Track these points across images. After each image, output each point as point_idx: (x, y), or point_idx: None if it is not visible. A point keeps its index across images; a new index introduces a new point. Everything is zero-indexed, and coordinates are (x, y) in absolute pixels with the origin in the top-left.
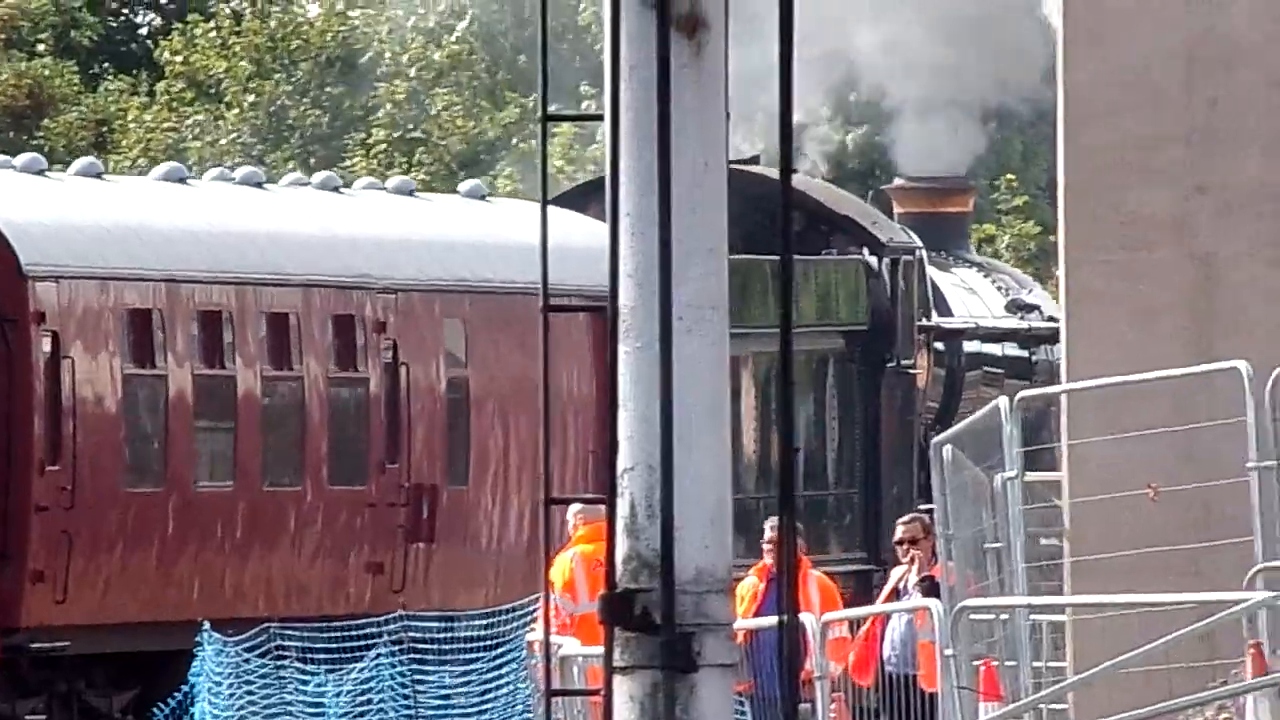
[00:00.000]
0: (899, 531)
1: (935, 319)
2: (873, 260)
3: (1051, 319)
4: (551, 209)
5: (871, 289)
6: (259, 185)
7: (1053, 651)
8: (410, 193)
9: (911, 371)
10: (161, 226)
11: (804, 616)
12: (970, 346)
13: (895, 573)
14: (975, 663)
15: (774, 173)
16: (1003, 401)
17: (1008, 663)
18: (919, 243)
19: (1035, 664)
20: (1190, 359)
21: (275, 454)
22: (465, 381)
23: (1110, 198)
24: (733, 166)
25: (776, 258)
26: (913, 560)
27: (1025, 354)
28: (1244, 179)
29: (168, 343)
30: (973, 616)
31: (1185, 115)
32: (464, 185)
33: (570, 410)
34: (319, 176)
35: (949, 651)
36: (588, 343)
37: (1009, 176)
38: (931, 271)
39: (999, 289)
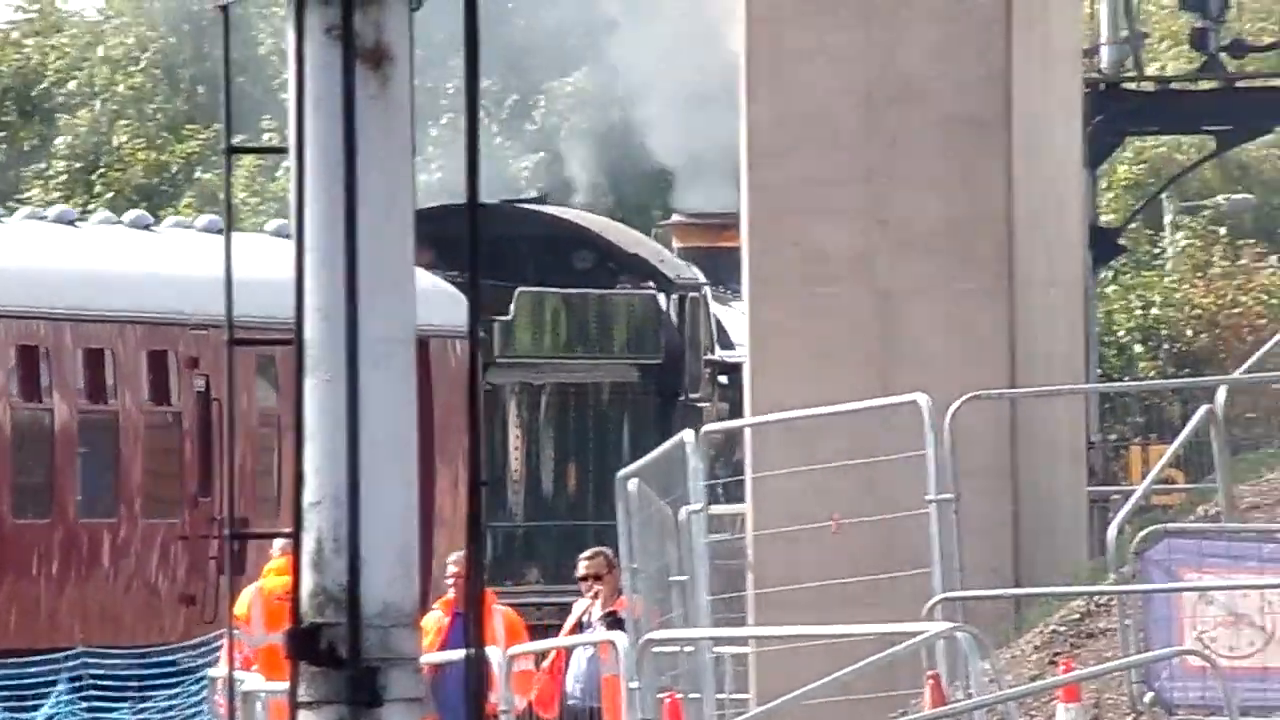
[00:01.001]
0: (581, 567)
1: (719, 353)
2: (661, 296)
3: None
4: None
5: (663, 324)
6: (70, 223)
7: (737, 683)
8: (219, 231)
9: (700, 405)
10: None
11: (489, 650)
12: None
13: (578, 606)
14: (660, 695)
15: (561, 210)
16: (687, 435)
17: (692, 695)
18: (704, 279)
19: (719, 696)
20: (871, 392)
21: (90, 487)
22: (276, 415)
23: (791, 234)
24: (520, 205)
25: (568, 290)
26: (596, 595)
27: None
28: (922, 216)
29: None
30: (657, 649)
31: (864, 153)
32: (271, 224)
33: None
34: (130, 215)
35: (633, 684)
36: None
37: None
38: (714, 306)
39: None
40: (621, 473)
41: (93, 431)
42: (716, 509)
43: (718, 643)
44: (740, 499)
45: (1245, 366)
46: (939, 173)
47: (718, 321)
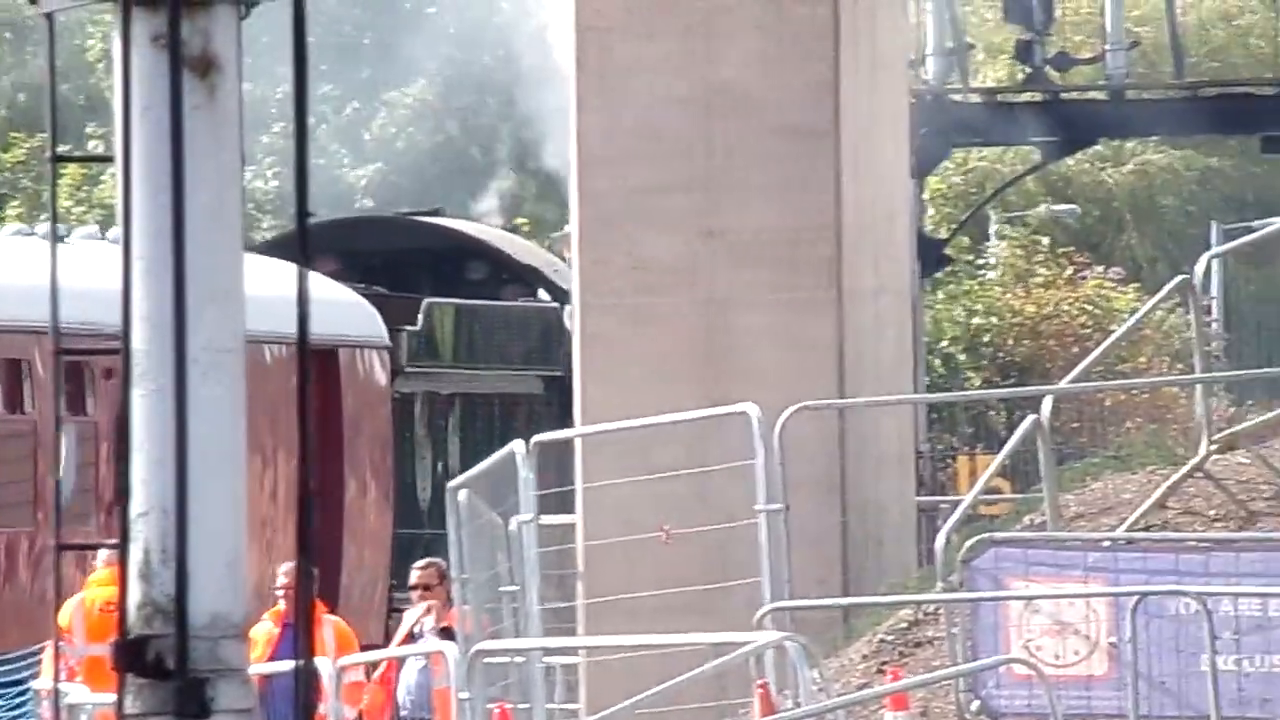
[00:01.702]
0: (414, 576)
1: None
2: (565, 309)
3: None
4: (258, 258)
5: (565, 335)
6: None
7: (568, 693)
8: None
9: None
10: None
11: (319, 661)
12: None
13: (409, 616)
14: (490, 705)
15: (457, 223)
16: (518, 445)
17: (522, 705)
18: None
19: (550, 706)
20: (701, 402)
21: (9, 495)
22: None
23: (622, 243)
24: (416, 218)
25: (475, 302)
26: (430, 610)
27: None
28: (751, 225)
29: None
30: (488, 660)
31: (693, 161)
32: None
33: (286, 450)
34: (43, 226)
35: (464, 695)
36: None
37: None
38: None
39: None
40: (452, 483)
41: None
42: (548, 519)
43: (548, 653)
44: (570, 509)
45: (1071, 376)
46: (768, 183)
47: None
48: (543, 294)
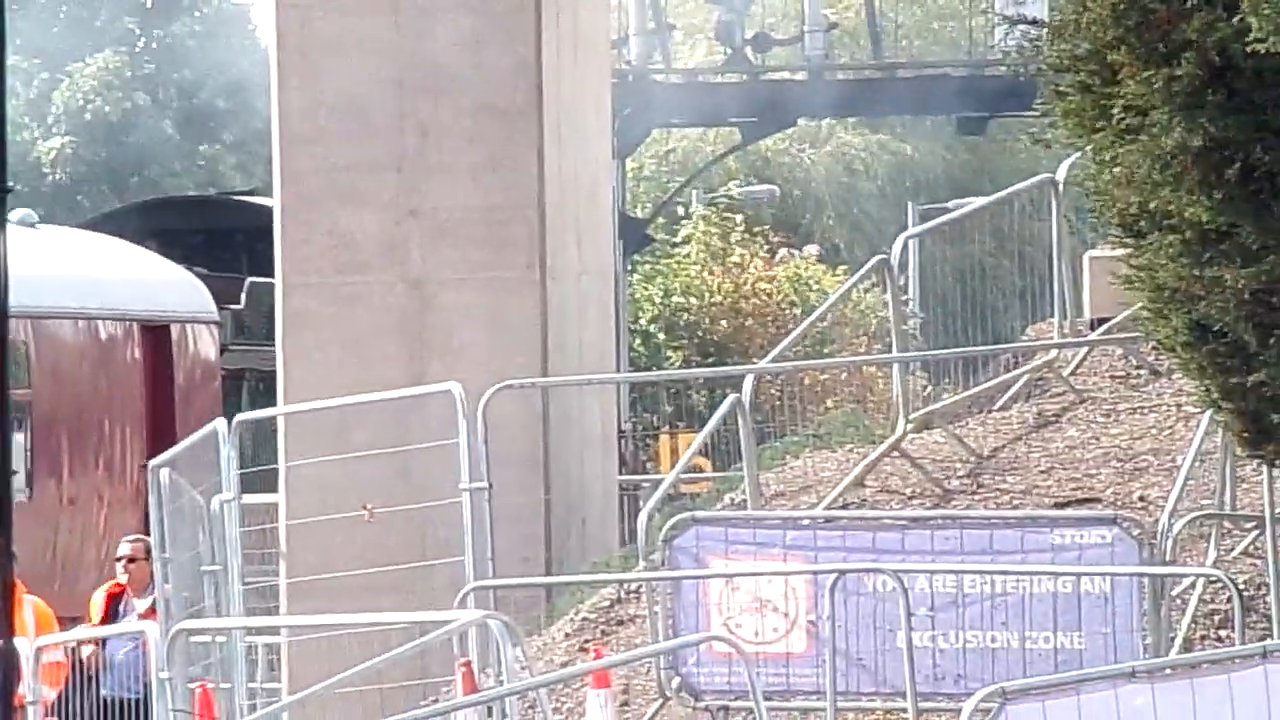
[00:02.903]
0: (124, 548)
1: None
2: None
3: None
4: (91, 235)
5: None
6: None
7: (270, 672)
8: (33, 225)
9: None
10: None
11: (18, 641)
12: None
13: (98, 596)
14: (192, 685)
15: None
16: (220, 424)
17: (224, 685)
18: None
19: (251, 685)
20: (405, 381)
21: None
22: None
23: (323, 222)
24: (235, 197)
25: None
26: (133, 581)
27: None
28: (454, 204)
29: None
30: (193, 639)
31: (396, 140)
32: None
33: (121, 424)
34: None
35: (165, 674)
36: (140, 359)
37: None
38: None
39: None
40: (154, 461)
41: None
42: (250, 498)
43: (250, 632)
44: (275, 488)
45: (771, 356)
46: (471, 162)
47: None
48: None
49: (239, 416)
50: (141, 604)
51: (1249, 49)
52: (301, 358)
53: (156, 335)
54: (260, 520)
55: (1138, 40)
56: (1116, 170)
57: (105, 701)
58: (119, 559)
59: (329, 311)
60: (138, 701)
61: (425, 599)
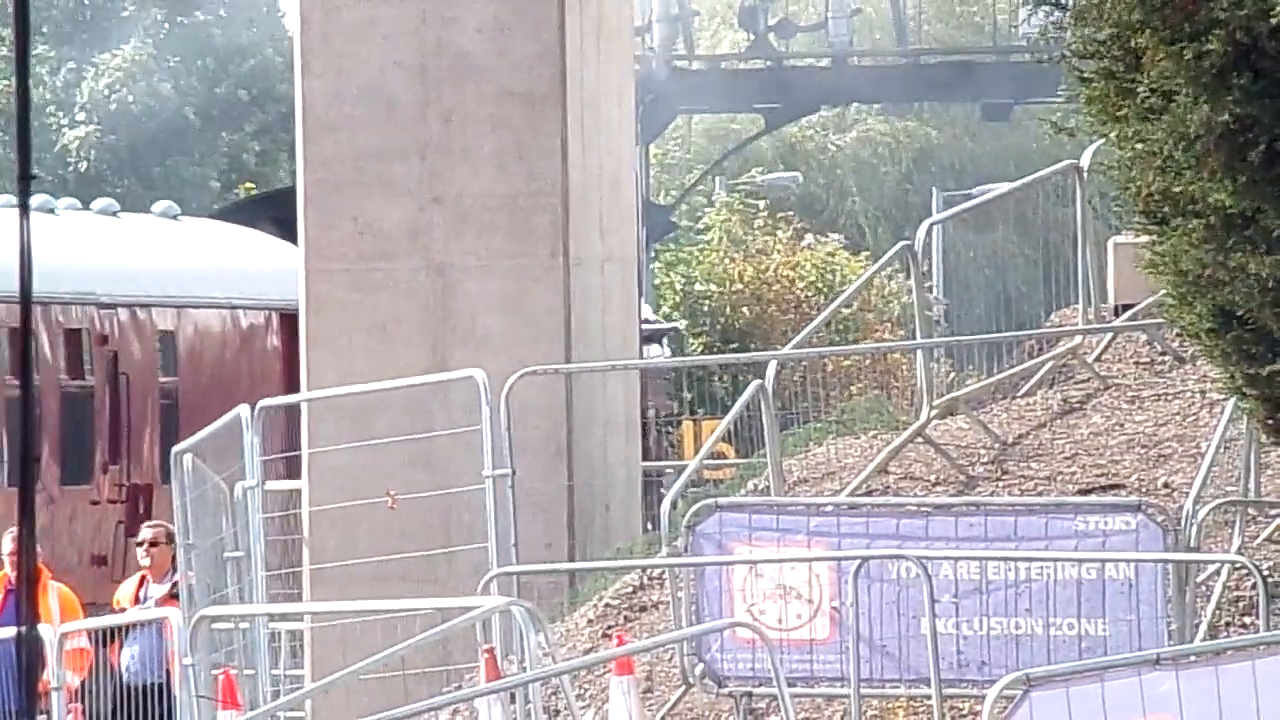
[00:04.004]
0: (145, 533)
1: None
2: None
3: (646, 321)
4: (228, 226)
5: None
6: None
7: (293, 659)
8: (115, 214)
9: None
10: None
11: (42, 628)
12: None
13: (126, 587)
14: (215, 671)
15: None
16: (244, 410)
17: (247, 671)
18: None
19: (274, 672)
20: (428, 368)
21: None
22: (175, 390)
23: (348, 208)
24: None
25: None
26: (154, 566)
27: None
28: (477, 191)
29: None
30: (215, 625)
31: (420, 127)
32: (158, 205)
33: None
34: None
35: (188, 660)
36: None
37: None
38: None
39: None
40: (177, 447)
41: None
42: (274, 485)
43: (273, 619)
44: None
45: (794, 343)
46: (494, 148)
47: None
48: None
49: (262, 402)
50: (159, 589)
51: (1276, 29)
52: (325, 344)
53: (294, 323)
54: (284, 507)
55: (1161, 23)
56: (1140, 147)
57: (128, 687)
58: (140, 543)
59: (353, 298)
60: (160, 686)
61: (448, 586)
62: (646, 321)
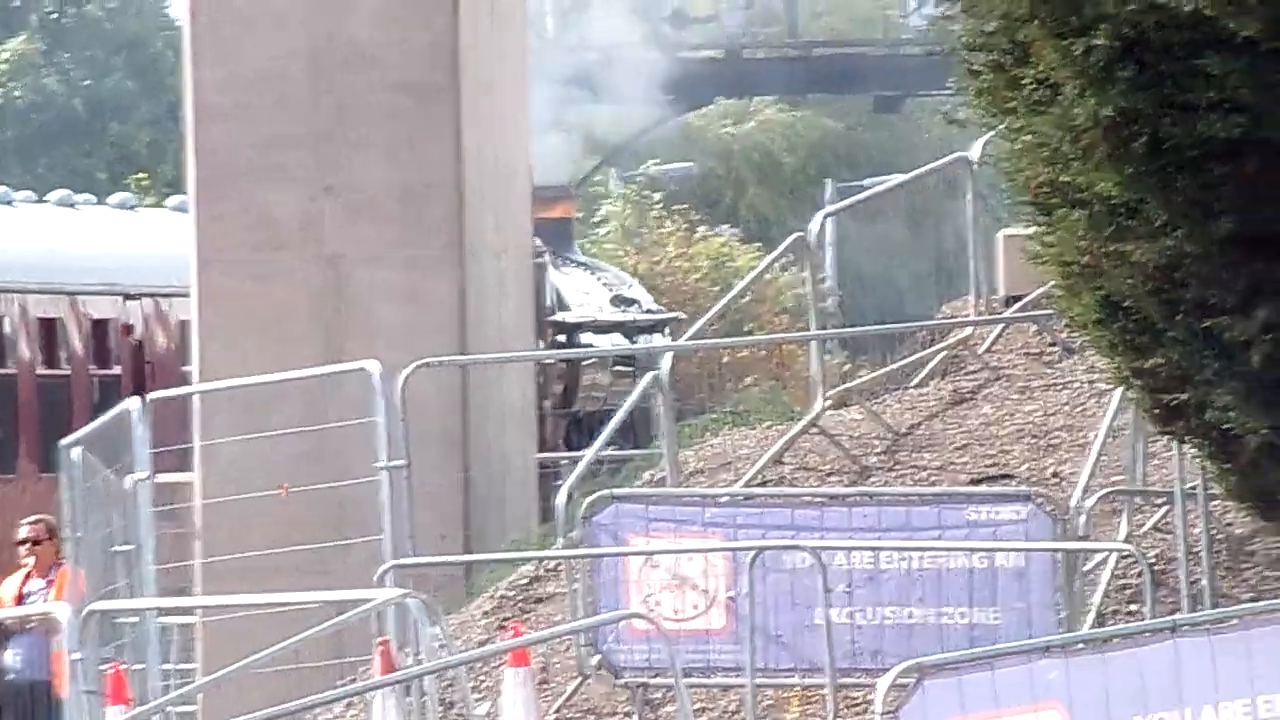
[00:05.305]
0: (23, 531)
1: (559, 314)
2: None
3: (649, 311)
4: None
5: None
6: (8, 203)
7: (185, 654)
8: (132, 208)
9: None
10: None
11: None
12: (586, 338)
13: (9, 582)
14: (103, 666)
15: None
16: (133, 403)
17: (137, 666)
18: (544, 246)
19: (165, 666)
20: (321, 359)
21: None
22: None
23: (239, 198)
24: None
25: None
26: (38, 564)
27: (629, 343)
28: (370, 181)
29: None
30: (110, 620)
31: (311, 116)
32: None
33: None
34: (56, 194)
35: (76, 655)
36: None
37: None
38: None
39: (604, 285)
40: (65, 440)
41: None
42: (165, 477)
43: (164, 613)
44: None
45: (690, 334)
46: (388, 139)
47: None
48: None
49: (151, 394)
50: (41, 584)
51: (1159, 23)
52: (218, 336)
53: None
54: (176, 500)
55: (1049, 15)
56: (1028, 139)
57: (12, 686)
58: (20, 542)
59: (245, 289)
60: (46, 684)
61: (342, 579)
62: (649, 311)
